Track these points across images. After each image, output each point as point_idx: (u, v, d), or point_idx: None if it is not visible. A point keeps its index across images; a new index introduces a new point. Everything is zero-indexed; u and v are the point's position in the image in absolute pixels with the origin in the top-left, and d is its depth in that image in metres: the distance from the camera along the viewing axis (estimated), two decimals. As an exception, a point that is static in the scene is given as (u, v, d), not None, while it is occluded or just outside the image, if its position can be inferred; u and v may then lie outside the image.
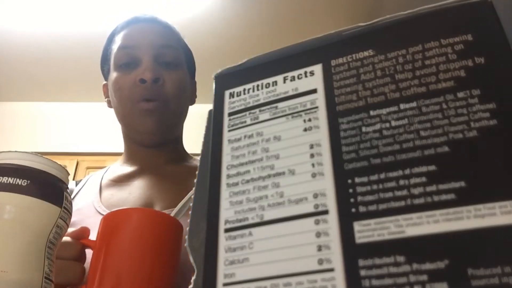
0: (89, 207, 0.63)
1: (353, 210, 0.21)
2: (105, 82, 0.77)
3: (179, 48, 0.72)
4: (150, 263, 0.40)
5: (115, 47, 0.70)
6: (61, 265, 0.41)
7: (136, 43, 0.68)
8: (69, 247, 0.44)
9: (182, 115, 0.72)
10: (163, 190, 0.66)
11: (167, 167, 0.71)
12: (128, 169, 0.72)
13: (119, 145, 0.77)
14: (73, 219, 0.61)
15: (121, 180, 0.69)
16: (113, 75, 0.69)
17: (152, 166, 0.71)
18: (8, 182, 0.32)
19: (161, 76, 0.66)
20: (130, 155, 0.73)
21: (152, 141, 0.70)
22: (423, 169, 0.21)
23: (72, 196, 0.68)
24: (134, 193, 0.66)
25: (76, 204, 0.65)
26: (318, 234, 0.21)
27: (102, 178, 0.70)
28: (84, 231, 0.46)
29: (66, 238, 0.44)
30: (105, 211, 0.61)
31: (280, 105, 0.27)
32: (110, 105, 0.75)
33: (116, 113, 0.71)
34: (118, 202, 0.64)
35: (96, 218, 0.61)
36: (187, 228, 0.25)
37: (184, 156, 0.75)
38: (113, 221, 0.42)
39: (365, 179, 0.22)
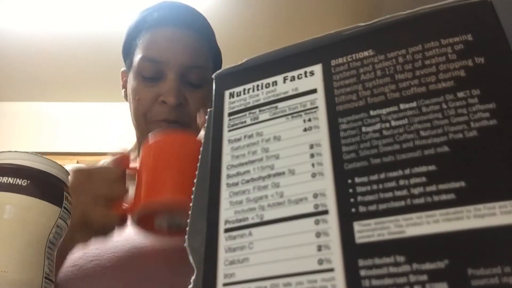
0: None
1: (353, 210, 0.21)
2: (123, 69, 0.74)
3: (208, 65, 0.68)
4: (190, 174, 0.44)
5: (140, 47, 0.66)
6: (105, 184, 0.46)
7: (163, 58, 0.63)
8: (111, 171, 0.48)
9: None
10: None
11: None
12: None
13: (120, 145, 0.77)
14: None
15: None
16: (134, 81, 0.66)
17: None
18: (8, 182, 0.32)
19: (183, 100, 0.63)
20: None
21: None
22: (423, 169, 0.21)
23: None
24: None
25: None
26: (318, 234, 0.21)
27: None
28: (125, 158, 0.50)
29: (106, 166, 0.49)
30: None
31: (280, 105, 0.27)
32: (126, 98, 0.72)
33: (132, 117, 0.69)
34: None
35: None
36: (187, 228, 0.25)
37: None
38: (153, 146, 0.48)
39: (365, 179, 0.22)
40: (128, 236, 0.55)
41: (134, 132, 0.75)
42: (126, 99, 0.73)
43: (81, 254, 0.53)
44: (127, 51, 0.71)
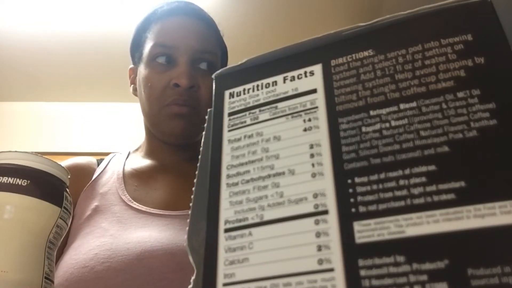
0: (114, 194, 0.63)
1: (353, 210, 0.21)
2: (132, 66, 0.74)
3: (218, 52, 0.70)
4: None
5: (151, 38, 0.67)
6: None
7: (175, 44, 0.65)
8: None
9: None
10: (188, 188, 0.64)
11: (188, 165, 0.70)
12: (150, 162, 0.71)
13: (121, 145, 0.77)
14: (97, 203, 0.61)
15: (144, 173, 0.68)
16: (145, 69, 0.67)
17: (174, 163, 0.70)
18: (8, 182, 0.32)
19: (196, 83, 0.64)
20: (151, 150, 0.72)
21: (176, 143, 0.69)
22: (423, 169, 0.21)
23: (95, 176, 0.67)
24: (160, 189, 0.65)
25: (100, 187, 0.65)
26: (318, 234, 0.21)
27: (124, 165, 0.69)
28: None
29: None
30: (131, 201, 0.61)
31: (280, 105, 0.27)
32: (135, 93, 0.73)
33: (142, 108, 0.70)
34: (144, 197, 0.63)
35: (120, 206, 0.60)
36: (187, 228, 0.25)
37: None
38: None
39: (365, 179, 0.22)
40: (140, 238, 0.55)
41: (135, 131, 0.75)
42: (135, 94, 0.73)
43: (92, 256, 0.53)
44: (137, 45, 0.71)
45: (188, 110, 0.64)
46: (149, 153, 0.72)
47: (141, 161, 0.71)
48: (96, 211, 0.60)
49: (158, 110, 0.65)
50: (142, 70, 0.68)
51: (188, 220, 0.25)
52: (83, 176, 0.67)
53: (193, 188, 0.26)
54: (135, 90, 0.73)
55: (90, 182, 0.66)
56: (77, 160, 0.71)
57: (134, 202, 0.61)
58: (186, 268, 0.51)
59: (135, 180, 0.66)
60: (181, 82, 0.63)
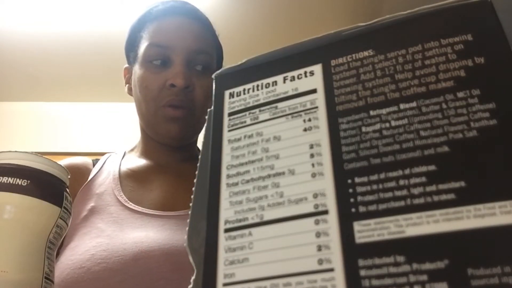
0: (110, 194, 0.63)
1: (353, 210, 0.21)
2: (126, 65, 0.74)
3: (213, 53, 0.70)
4: None
5: (146, 37, 0.67)
6: None
7: (170, 44, 0.65)
8: None
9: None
10: (184, 189, 0.65)
11: (184, 165, 0.70)
12: (146, 162, 0.70)
13: (121, 145, 0.76)
14: (93, 204, 0.61)
15: (140, 173, 0.68)
16: (140, 70, 0.66)
17: (169, 163, 0.70)
18: (8, 182, 0.32)
19: (191, 83, 0.64)
20: (147, 150, 0.72)
21: (172, 144, 0.69)
22: (423, 169, 0.21)
23: (91, 177, 0.67)
24: (156, 190, 0.65)
25: (96, 187, 0.64)
26: (318, 234, 0.21)
27: (120, 165, 0.69)
28: None
29: None
30: (127, 202, 0.61)
31: (280, 105, 0.27)
32: (130, 93, 0.73)
33: (138, 108, 0.69)
34: (140, 198, 0.63)
35: (117, 207, 0.60)
36: (187, 228, 0.25)
37: (198, 154, 0.74)
38: None
39: (365, 179, 0.22)
40: (136, 239, 0.55)
41: (135, 131, 0.74)
42: (130, 94, 0.72)
43: (89, 256, 0.53)
44: (132, 45, 0.71)
45: (184, 112, 0.64)
46: (145, 153, 0.72)
47: (137, 161, 0.71)
48: (92, 212, 0.60)
49: (154, 111, 0.65)
50: (137, 70, 0.68)
51: (188, 220, 0.25)
52: (79, 176, 0.67)
53: (193, 188, 0.26)
54: (130, 90, 0.73)
55: (86, 182, 0.66)
56: (73, 160, 0.71)
57: (131, 203, 0.61)
58: (183, 268, 0.51)
59: (131, 181, 0.66)
60: (177, 82, 0.62)
